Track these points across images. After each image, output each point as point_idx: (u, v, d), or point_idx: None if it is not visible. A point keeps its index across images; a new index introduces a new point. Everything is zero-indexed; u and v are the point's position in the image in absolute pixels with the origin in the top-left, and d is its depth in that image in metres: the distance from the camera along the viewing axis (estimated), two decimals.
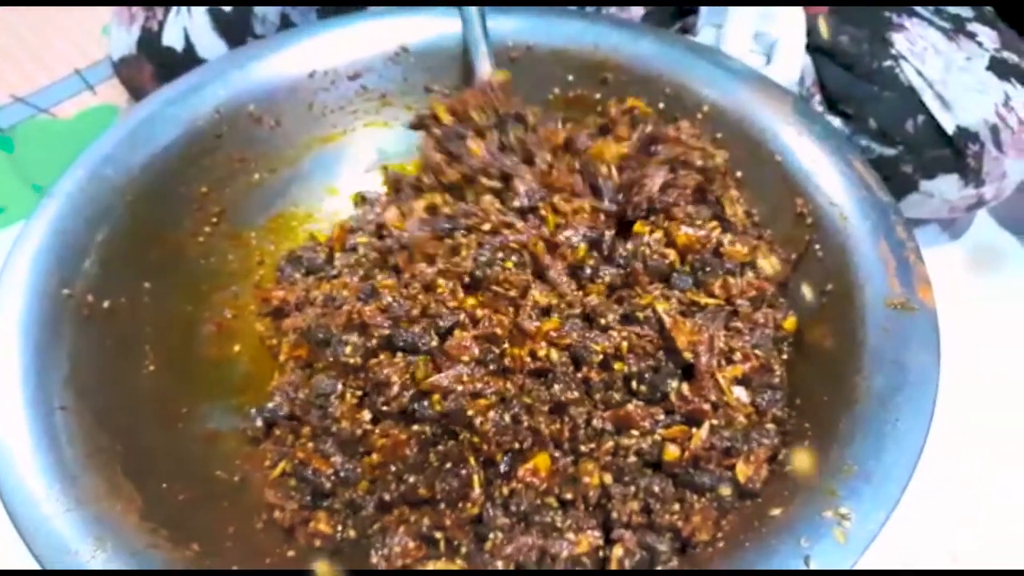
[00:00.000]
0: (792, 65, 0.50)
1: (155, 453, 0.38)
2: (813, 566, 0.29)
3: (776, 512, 0.32)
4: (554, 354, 0.38)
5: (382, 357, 0.38)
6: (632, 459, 0.37)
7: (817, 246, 0.42)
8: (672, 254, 0.41)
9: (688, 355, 0.37)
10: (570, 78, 0.53)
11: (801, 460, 0.35)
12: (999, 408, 0.48)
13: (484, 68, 0.49)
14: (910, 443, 0.32)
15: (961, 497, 0.45)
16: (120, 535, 0.32)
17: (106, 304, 0.41)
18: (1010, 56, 0.48)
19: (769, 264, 0.43)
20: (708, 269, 0.40)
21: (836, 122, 0.51)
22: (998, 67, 0.48)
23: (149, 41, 0.55)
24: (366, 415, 0.39)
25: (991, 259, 0.56)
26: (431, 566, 0.37)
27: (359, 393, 0.40)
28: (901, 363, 0.35)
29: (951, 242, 0.57)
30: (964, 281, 0.55)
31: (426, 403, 0.37)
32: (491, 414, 0.36)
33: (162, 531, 0.33)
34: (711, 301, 0.40)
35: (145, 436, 0.39)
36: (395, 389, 0.37)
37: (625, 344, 0.38)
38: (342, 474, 0.39)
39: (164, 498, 0.36)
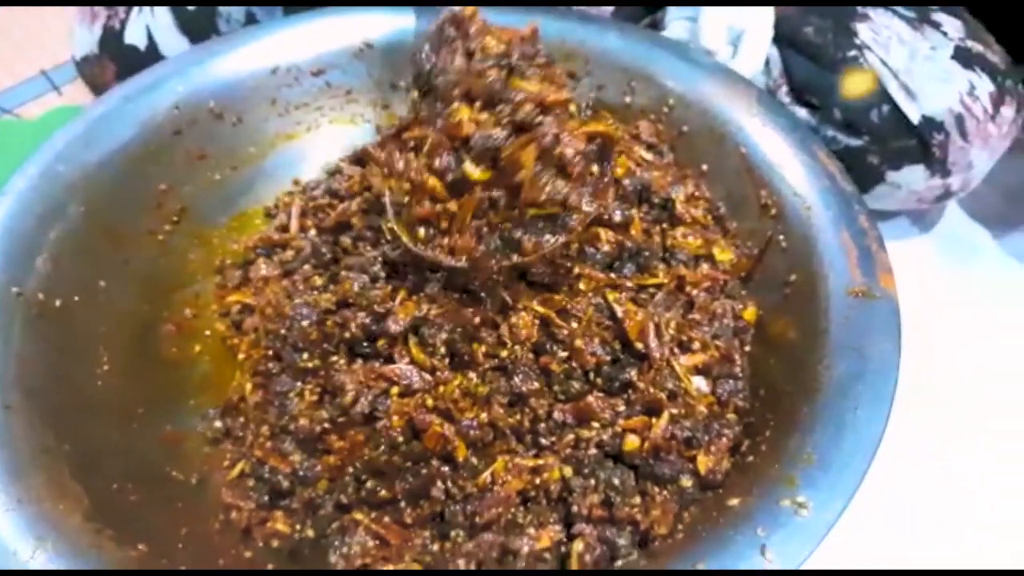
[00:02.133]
0: (757, 56, 0.50)
1: (107, 454, 0.37)
2: (769, 556, 0.29)
3: (734, 502, 0.32)
4: (517, 348, 0.38)
5: (339, 360, 0.38)
6: (593, 451, 0.36)
7: (781, 237, 0.42)
8: (607, 246, 0.40)
9: (639, 344, 0.37)
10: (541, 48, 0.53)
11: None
12: (968, 398, 0.48)
13: None
14: (869, 431, 0.32)
15: (924, 484, 0.45)
16: (62, 535, 0.31)
17: (58, 303, 0.40)
18: (975, 45, 0.48)
19: (726, 256, 0.42)
20: (647, 255, 0.40)
21: (803, 113, 0.50)
22: (963, 56, 0.48)
23: (111, 40, 0.55)
24: (324, 413, 0.38)
25: (962, 251, 0.56)
26: (390, 566, 0.36)
27: (318, 391, 0.39)
28: (862, 351, 0.35)
29: (922, 235, 0.57)
30: (935, 273, 0.55)
31: (387, 403, 0.37)
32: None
33: (107, 531, 0.32)
34: (652, 281, 0.39)
35: (97, 437, 0.38)
36: (350, 395, 0.36)
37: (583, 336, 0.38)
38: (301, 473, 0.38)
39: (114, 499, 0.35)
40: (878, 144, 0.48)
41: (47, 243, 0.42)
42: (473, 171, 0.35)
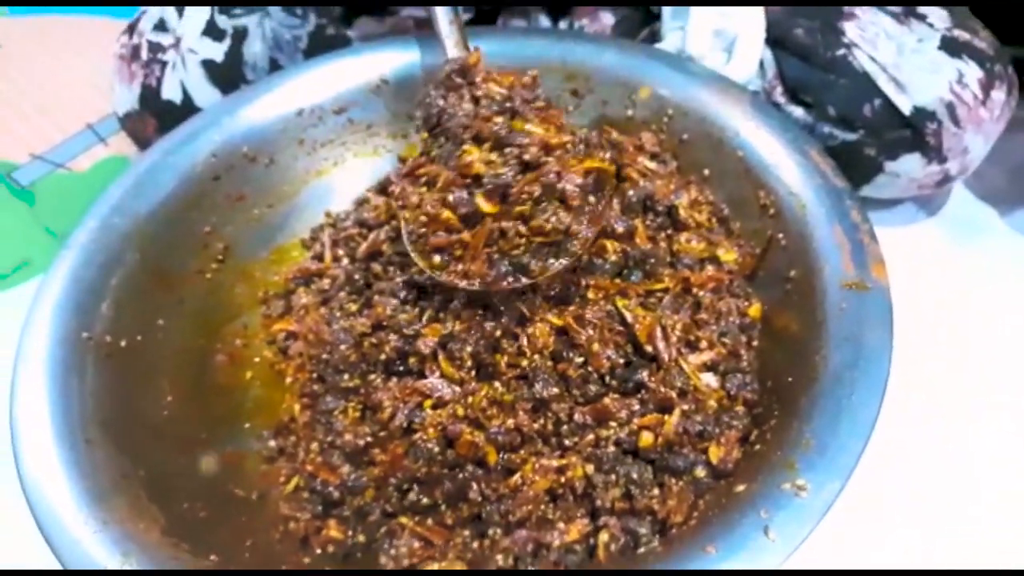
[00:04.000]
0: (751, 60, 0.52)
1: (176, 476, 0.42)
2: (771, 535, 0.31)
3: (741, 488, 0.34)
4: (536, 356, 0.41)
5: (377, 379, 0.42)
6: (612, 449, 0.39)
7: (780, 235, 0.45)
8: (614, 255, 0.43)
9: (649, 347, 0.40)
10: (540, 92, 0.56)
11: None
12: (977, 379, 0.50)
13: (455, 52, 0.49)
14: (864, 416, 0.34)
15: (924, 470, 0.46)
16: (145, 551, 0.35)
17: (123, 343, 0.45)
18: (961, 34, 0.50)
19: (730, 257, 0.45)
20: (653, 261, 0.43)
21: (798, 112, 0.53)
22: (950, 46, 0.50)
23: (150, 97, 0.59)
24: (367, 428, 0.42)
25: (969, 231, 0.58)
26: (435, 565, 0.39)
27: (359, 408, 0.43)
28: (856, 340, 0.37)
29: (928, 219, 0.58)
30: (944, 257, 0.56)
31: (422, 415, 0.40)
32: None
33: (183, 545, 0.36)
34: (659, 286, 0.42)
35: (166, 461, 0.42)
36: (388, 411, 0.40)
37: (598, 341, 0.41)
38: (349, 484, 0.42)
39: (185, 516, 0.39)
40: (873, 137, 0.50)
41: (109, 289, 0.46)
42: (485, 205, 0.39)
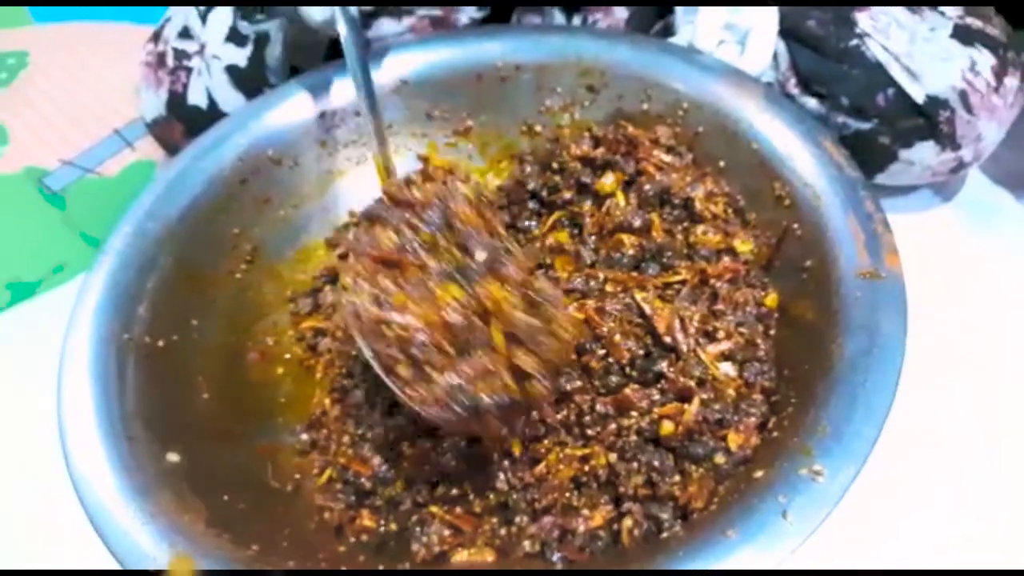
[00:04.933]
0: (764, 52, 0.53)
1: (216, 470, 0.43)
2: (789, 519, 0.32)
3: (759, 474, 0.36)
4: None
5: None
6: (633, 438, 0.41)
7: (796, 226, 0.45)
8: (631, 249, 0.44)
9: (667, 338, 0.41)
10: (558, 90, 0.57)
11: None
12: (993, 364, 0.50)
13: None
14: (878, 403, 0.35)
15: (938, 455, 0.47)
16: (190, 541, 0.37)
17: (161, 343, 0.47)
18: (973, 22, 0.50)
19: (746, 247, 0.46)
20: (670, 254, 0.44)
21: (812, 103, 0.53)
22: (962, 34, 0.50)
23: (176, 103, 0.61)
24: (395, 422, 0.44)
25: (985, 215, 0.58)
26: (465, 552, 0.41)
27: (388, 402, 0.45)
28: (871, 328, 0.38)
29: (944, 204, 0.59)
30: (961, 241, 0.57)
31: None
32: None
33: (226, 535, 0.38)
34: (676, 278, 0.43)
35: (206, 455, 0.44)
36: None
37: (618, 333, 0.42)
38: (380, 475, 0.44)
39: (226, 508, 0.41)
40: (887, 126, 0.51)
41: (146, 292, 0.48)
42: None
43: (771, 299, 0.44)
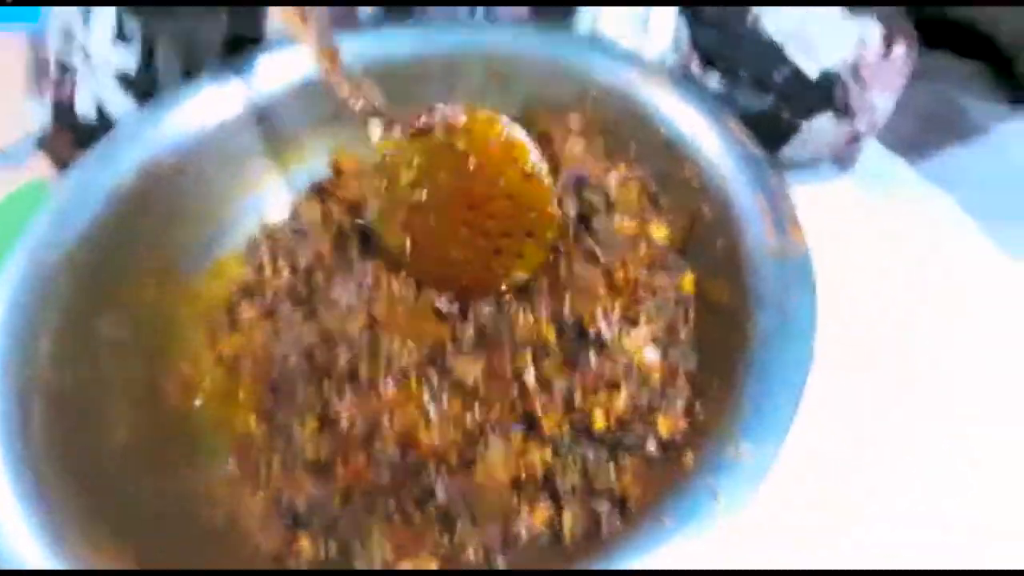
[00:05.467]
0: (665, 34, 0.53)
1: (141, 509, 0.42)
2: (721, 500, 0.33)
3: (688, 458, 0.37)
4: None
5: (330, 391, 0.42)
6: (567, 432, 0.41)
7: (706, 207, 0.46)
8: None
9: (591, 328, 0.41)
10: (470, 83, 0.56)
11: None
12: (900, 325, 0.53)
13: None
14: (794, 378, 0.36)
15: (857, 422, 0.49)
16: None
17: (68, 379, 0.44)
18: None
19: (661, 233, 0.47)
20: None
21: (714, 80, 0.54)
22: (853, 9, 0.52)
23: (63, 112, 0.57)
24: (327, 440, 0.43)
25: (883, 185, 0.61)
26: (410, 564, 0.41)
27: (316, 421, 0.44)
28: (782, 305, 0.39)
29: (843, 174, 0.61)
30: (860, 211, 0.59)
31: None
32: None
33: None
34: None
35: (129, 495, 0.42)
36: (345, 424, 0.41)
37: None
38: (315, 497, 0.43)
39: (157, 545, 0.40)
40: (785, 101, 0.53)
41: (47, 325, 0.45)
42: None
43: (687, 282, 0.45)
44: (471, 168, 0.44)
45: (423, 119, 0.45)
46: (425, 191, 0.45)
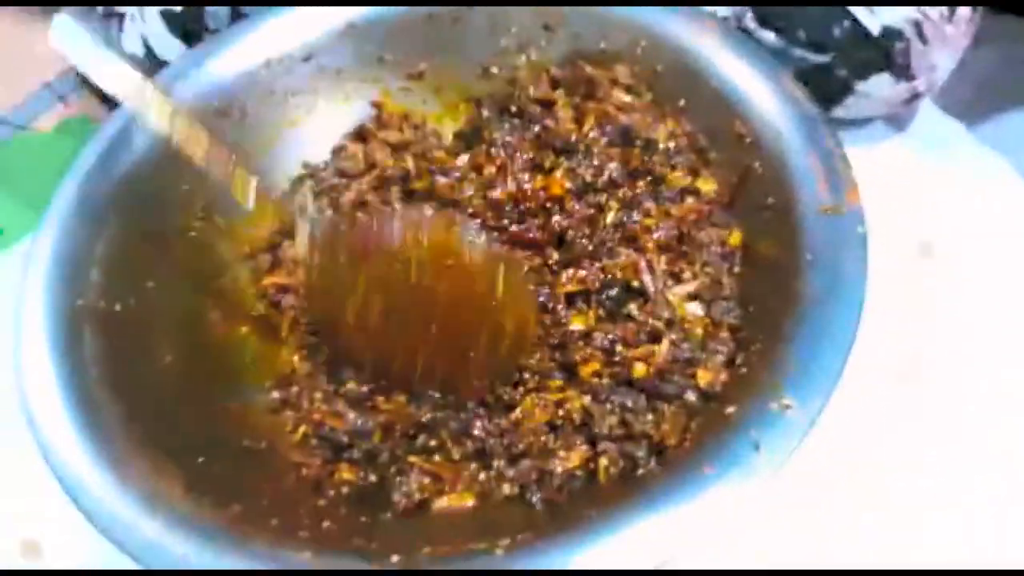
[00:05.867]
0: None
1: (188, 433, 0.43)
2: (762, 452, 0.34)
3: (731, 410, 0.37)
4: None
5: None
6: (606, 380, 0.41)
7: (757, 164, 0.46)
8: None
9: (635, 282, 0.41)
10: (513, 29, 0.55)
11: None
12: (949, 291, 0.52)
13: None
14: (843, 336, 0.36)
15: (901, 389, 0.49)
16: (168, 505, 0.37)
17: (117, 308, 0.45)
18: None
19: (709, 187, 0.46)
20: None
21: (769, 36, 0.53)
22: None
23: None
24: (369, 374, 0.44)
25: (937, 146, 0.59)
26: (446, 499, 0.42)
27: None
28: (834, 264, 0.39)
29: (898, 135, 0.60)
30: (916, 172, 0.58)
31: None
32: None
33: (205, 498, 0.38)
34: (649, 221, 0.45)
35: (177, 421, 0.43)
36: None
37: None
38: (356, 428, 0.44)
39: (203, 470, 0.41)
40: (843, 58, 0.51)
41: (96, 256, 0.46)
42: None
43: (735, 238, 0.45)
44: (428, 296, 0.41)
45: (364, 238, 0.42)
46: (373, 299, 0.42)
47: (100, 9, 0.57)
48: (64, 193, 0.47)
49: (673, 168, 0.47)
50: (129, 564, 0.35)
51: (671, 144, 0.49)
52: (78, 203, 0.47)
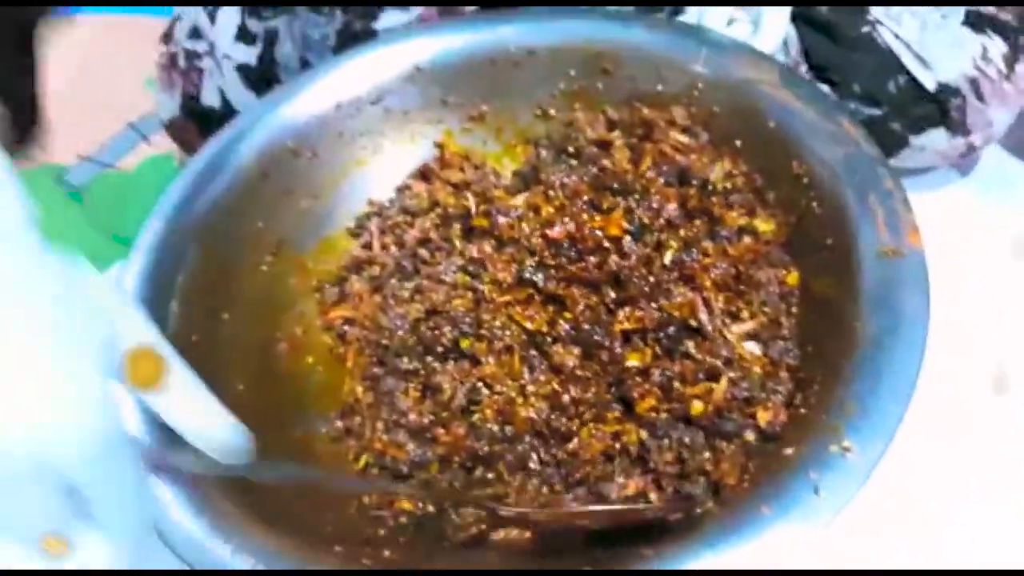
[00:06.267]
0: (775, 35, 0.53)
1: (258, 461, 0.44)
2: (822, 495, 0.34)
3: (790, 451, 0.37)
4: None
5: (433, 362, 0.44)
6: (664, 416, 0.42)
7: (815, 204, 0.46)
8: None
9: (692, 320, 0.42)
10: (572, 72, 0.57)
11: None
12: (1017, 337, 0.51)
13: None
14: (904, 379, 0.36)
15: (961, 430, 0.48)
16: (240, 532, 0.38)
17: (194, 338, 0.48)
18: (986, 8, 0.50)
19: (767, 227, 0.46)
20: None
21: (824, 89, 0.53)
22: (974, 21, 0.50)
23: (190, 104, 0.62)
24: (428, 407, 0.45)
25: (1002, 189, 0.58)
26: (503, 531, 0.42)
27: (419, 388, 0.46)
28: (894, 306, 0.39)
29: (961, 179, 0.59)
30: (978, 216, 0.57)
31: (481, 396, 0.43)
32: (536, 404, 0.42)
33: (273, 527, 0.39)
34: (706, 260, 0.45)
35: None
36: (447, 393, 0.43)
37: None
38: (415, 459, 0.45)
39: (272, 499, 0.42)
40: (898, 113, 0.51)
41: (177, 287, 0.49)
42: None
43: (792, 278, 0.45)
44: None
45: None
46: None
47: (182, 63, 0.61)
48: (151, 228, 0.50)
49: (730, 208, 0.48)
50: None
51: (728, 184, 0.49)
52: (162, 237, 0.50)
